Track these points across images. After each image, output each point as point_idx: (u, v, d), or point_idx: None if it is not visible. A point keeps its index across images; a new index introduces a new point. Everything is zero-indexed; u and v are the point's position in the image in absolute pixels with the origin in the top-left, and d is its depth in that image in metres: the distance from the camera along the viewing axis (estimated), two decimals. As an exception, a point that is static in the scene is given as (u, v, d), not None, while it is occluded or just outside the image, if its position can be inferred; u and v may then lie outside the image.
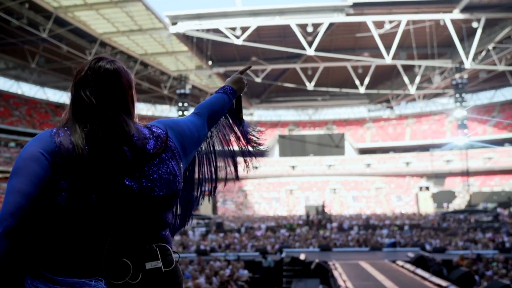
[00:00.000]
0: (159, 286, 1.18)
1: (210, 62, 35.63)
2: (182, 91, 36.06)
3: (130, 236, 1.17)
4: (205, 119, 1.55)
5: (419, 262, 11.52)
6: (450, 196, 38.90)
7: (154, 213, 1.22)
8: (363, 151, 49.70)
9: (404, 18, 28.82)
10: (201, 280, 8.35)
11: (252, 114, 52.59)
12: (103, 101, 1.22)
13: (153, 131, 1.30)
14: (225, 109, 1.67)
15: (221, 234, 22.10)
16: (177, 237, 17.89)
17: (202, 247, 15.85)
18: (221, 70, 36.29)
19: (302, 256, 12.66)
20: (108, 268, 1.12)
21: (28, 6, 24.55)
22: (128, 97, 1.29)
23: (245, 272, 11.04)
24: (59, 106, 41.81)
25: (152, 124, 1.36)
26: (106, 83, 1.24)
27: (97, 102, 1.22)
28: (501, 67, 33.30)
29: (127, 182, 1.17)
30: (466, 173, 35.28)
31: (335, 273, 9.87)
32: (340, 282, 8.57)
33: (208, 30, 29.49)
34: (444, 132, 46.94)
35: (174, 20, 28.75)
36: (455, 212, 29.17)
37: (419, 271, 9.93)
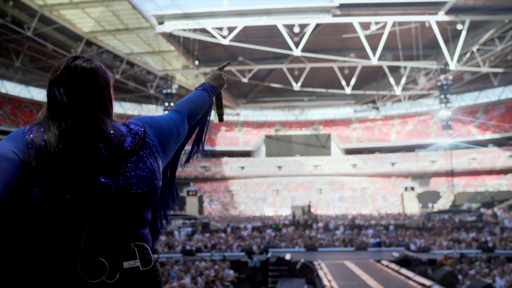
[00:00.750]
0: (137, 286, 1.17)
1: (196, 62, 35.58)
2: (168, 90, 35.91)
3: (107, 235, 1.16)
4: (185, 116, 1.53)
5: (404, 261, 11.63)
6: (435, 196, 39.30)
7: (132, 211, 1.21)
8: (349, 152, 49.97)
9: (390, 20, 29.05)
10: (187, 280, 8.34)
11: (239, 114, 52.56)
12: (78, 99, 1.22)
13: (131, 128, 1.29)
14: (205, 106, 1.65)
15: (207, 234, 22.05)
16: (162, 237, 17.82)
17: (188, 247, 15.80)
18: (208, 70, 36.22)
19: (287, 256, 12.69)
20: (83, 267, 1.11)
21: (13, 4, 24.25)
22: (105, 96, 1.28)
23: (231, 272, 11.04)
24: (43, 105, 41.29)
25: (130, 121, 1.35)
26: (82, 82, 1.24)
27: (72, 101, 1.21)
28: (484, 69, 33.74)
29: (102, 180, 1.16)
30: (451, 174, 35.66)
31: (321, 273, 9.92)
32: (325, 282, 8.61)
33: (195, 30, 29.43)
34: (429, 133, 47.39)
35: (161, 19, 28.64)
36: (440, 212, 29.47)
37: (404, 270, 10.02)
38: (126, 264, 1.16)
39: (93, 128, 1.19)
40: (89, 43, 29.56)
